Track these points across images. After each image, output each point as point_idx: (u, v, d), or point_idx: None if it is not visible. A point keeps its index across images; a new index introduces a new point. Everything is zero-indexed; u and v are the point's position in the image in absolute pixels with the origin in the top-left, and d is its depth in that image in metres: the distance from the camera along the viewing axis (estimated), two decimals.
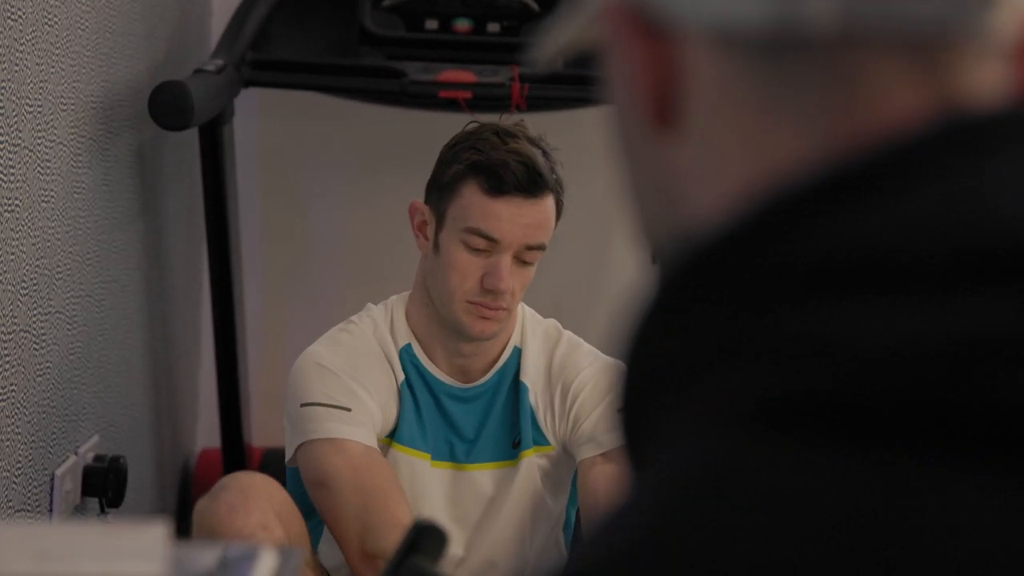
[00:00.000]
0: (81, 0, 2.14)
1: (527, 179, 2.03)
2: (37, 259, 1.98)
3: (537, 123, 2.20)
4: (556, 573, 0.49)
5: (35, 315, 1.98)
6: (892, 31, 0.51)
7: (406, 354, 2.15)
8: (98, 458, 2.26)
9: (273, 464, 2.61)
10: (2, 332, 1.85)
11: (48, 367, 2.05)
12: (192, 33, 2.91)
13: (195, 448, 3.12)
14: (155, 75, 2.50)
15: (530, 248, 2.06)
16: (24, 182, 1.91)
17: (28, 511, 1.99)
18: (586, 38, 0.60)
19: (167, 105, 2.32)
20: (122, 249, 2.44)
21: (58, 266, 2.08)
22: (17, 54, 1.85)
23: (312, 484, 2.08)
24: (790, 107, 0.52)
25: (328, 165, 3.16)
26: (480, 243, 2.05)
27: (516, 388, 2.17)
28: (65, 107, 2.08)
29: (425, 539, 1.17)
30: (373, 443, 2.09)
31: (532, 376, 2.16)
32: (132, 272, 2.51)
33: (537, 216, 2.05)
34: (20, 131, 1.88)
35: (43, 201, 1.99)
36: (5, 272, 1.85)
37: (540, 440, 2.16)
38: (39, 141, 1.97)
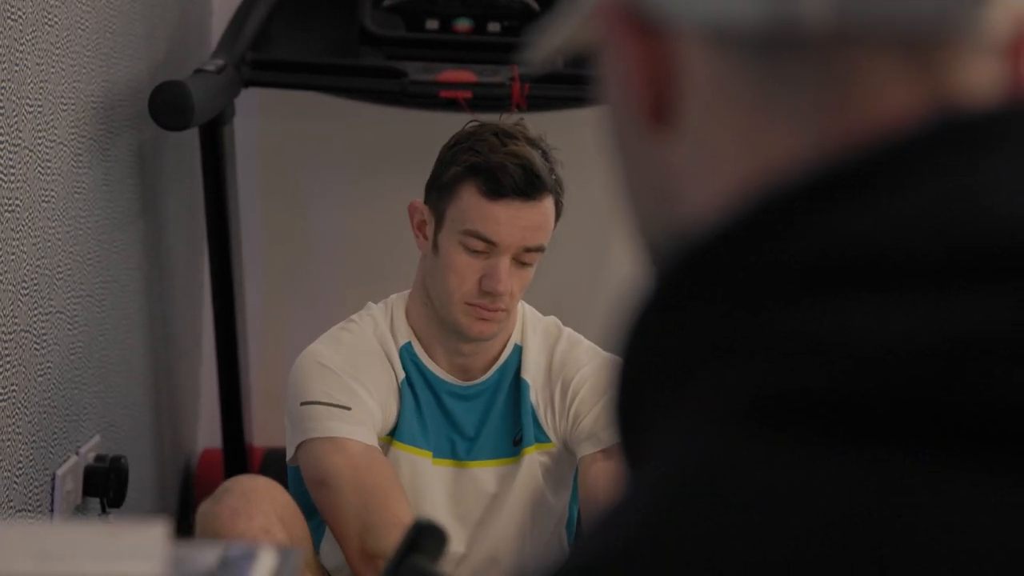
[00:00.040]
0: (81, 0, 2.14)
1: (525, 182, 2.03)
2: (38, 259, 1.98)
3: (538, 123, 2.20)
4: (554, 569, 0.49)
5: (36, 315, 1.98)
6: (886, 29, 0.51)
7: (406, 352, 2.15)
8: (99, 458, 2.26)
9: (274, 464, 2.61)
10: (3, 332, 1.85)
11: (49, 367, 2.05)
12: (192, 33, 2.91)
13: (196, 448, 3.12)
14: (155, 75, 2.50)
15: (529, 250, 2.06)
16: (24, 182, 1.91)
17: (29, 511, 1.99)
18: (581, 38, 0.61)
19: (167, 105, 2.32)
20: (122, 249, 2.44)
21: (59, 266, 2.08)
22: (17, 54, 1.85)
23: (312, 483, 2.08)
24: (785, 105, 0.52)
25: (328, 165, 3.17)
26: (478, 245, 2.05)
27: (517, 385, 2.17)
28: (65, 107, 2.09)
29: (425, 538, 1.17)
30: (374, 442, 2.09)
31: (533, 373, 2.17)
32: (133, 272, 2.51)
33: (535, 218, 2.05)
34: (20, 131, 1.88)
35: (43, 201, 1.99)
36: (6, 272, 1.85)
37: (541, 437, 2.17)
38: (39, 141, 1.97)
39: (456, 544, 2.13)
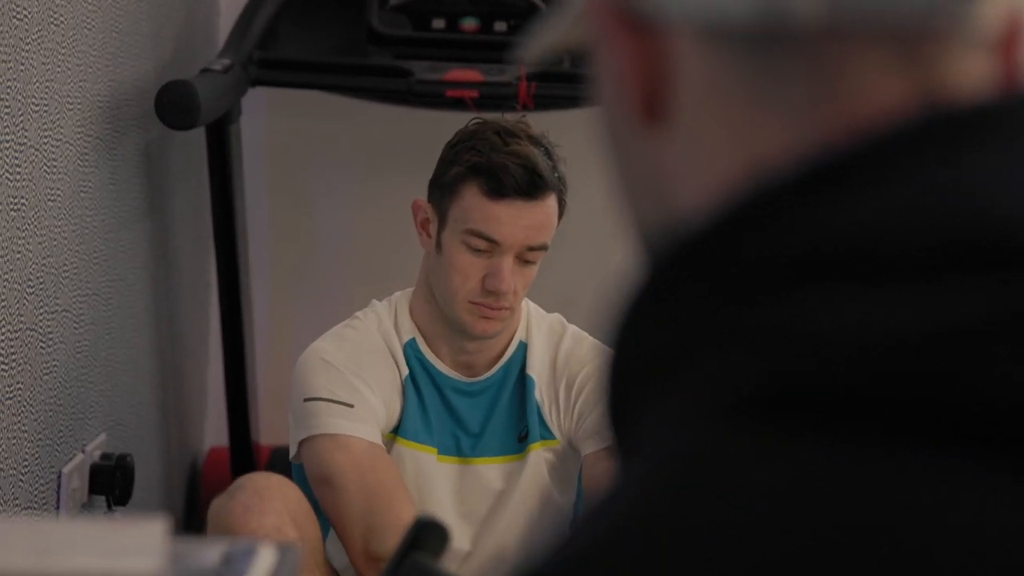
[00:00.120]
0: (87, 0, 2.14)
1: (527, 181, 2.03)
2: (44, 258, 1.98)
3: (543, 121, 2.20)
4: (543, 558, 0.49)
5: (42, 314, 1.98)
6: (877, 23, 0.51)
7: (410, 349, 2.15)
8: (105, 456, 2.27)
9: (281, 462, 2.61)
10: (9, 330, 1.85)
11: (55, 365, 2.05)
12: (199, 32, 2.92)
13: (203, 446, 3.12)
14: (162, 74, 2.51)
15: (531, 248, 2.07)
16: (31, 181, 1.91)
17: (35, 508, 2.00)
18: (574, 36, 0.61)
19: (174, 104, 2.33)
20: (129, 248, 2.44)
21: (65, 265, 2.08)
22: (23, 54, 1.86)
23: (316, 481, 2.08)
24: (776, 100, 0.52)
25: (335, 164, 3.17)
26: (481, 244, 2.05)
27: (522, 382, 2.17)
28: (71, 106, 2.09)
29: (427, 535, 1.17)
30: (377, 439, 2.09)
31: (538, 370, 2.17)
32: (139, 271, 2.52)
33: (538, 217, 2.06)
34: (26, 130, 1.88)
35: (49, 200, 2.00)
36: (12, 271, 1.85)
37: (546, 434, 2.17)
38: (45, 140, 1.97)
39: (462, 542, 2.13)
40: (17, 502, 1.92)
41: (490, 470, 2.16)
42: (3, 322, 1.84)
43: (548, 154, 2.08)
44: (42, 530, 0.93)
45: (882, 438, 0.46)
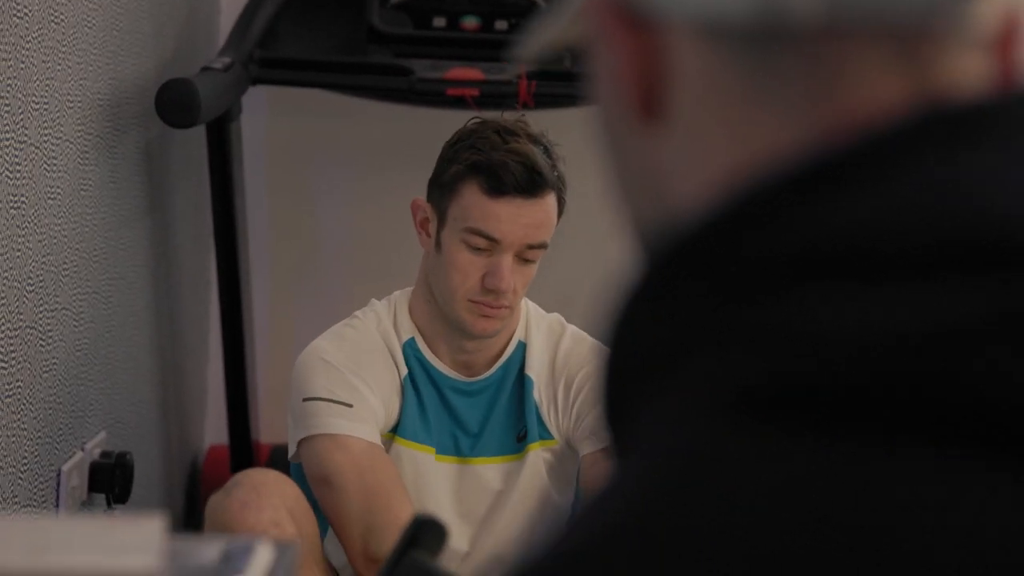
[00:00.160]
0: None
1: (526, 179, 2.03)
2: (43, 256, 1.98)
3: (543, 119, 2.20)
4: (539, 554, 0.49)
5: (41, 312, 1.98)
6: (876, 22, 0.51)
7: (409, 348, 2.15)
8: (105, 454, 2.27)
9: (281, 460, 2.61)
10: (8, 328, 1.85)
11: (55, 363, 2.05)
12: (200, 31, 2.92)
13: (203, 445, 3.12)
14: (162, 73, 2.51)
15: (531, 247, 2.07)
16: (30, 179, 1.91)
17: (35, 506, 2.00)
18: (572, 33, 0.61)
19: (174, 103, 2.33)
20: (129, 246, 2.44)
21: (64, 263, 2.08)
22: (23, 51, 1.86)
23: (315, 481, 2.08)
24: (774, 98, 0.52)
25: (336, 162, 3.17)
26: (481, 243, 2.05)
27: (521, 382, 2.17)
28: (72, 104, 2.09)
29: (424, 534, 1.17)
30: (376, 439, 2.09)
31: (537, 370, 2.17)
32: (139, 269, 2.52)
33: (537, 215, 2.06)
34: (26, 128, 1.88)
35: (49, 198, 2.00)
36: (11, 269, 1.85)
37: (545, 434, 2.17)
38: (45, 138, 1.97)
39: (460, 541, 2.13)
40: (17, 500, 1.92)
41: (489, 470, 2.16)
42: (3, 320, 1.83)
43: (547, 152, 2.08)
44: (40, 528, 0.93)
45: (882, 438, 0.46)
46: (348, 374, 2.09)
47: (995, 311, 0.47)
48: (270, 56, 2.64)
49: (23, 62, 1.86)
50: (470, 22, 2.77)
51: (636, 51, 0.55)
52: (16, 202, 1.86)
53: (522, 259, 2.08)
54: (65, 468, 2.11)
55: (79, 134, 2.13)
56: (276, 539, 1.91)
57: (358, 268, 3.14)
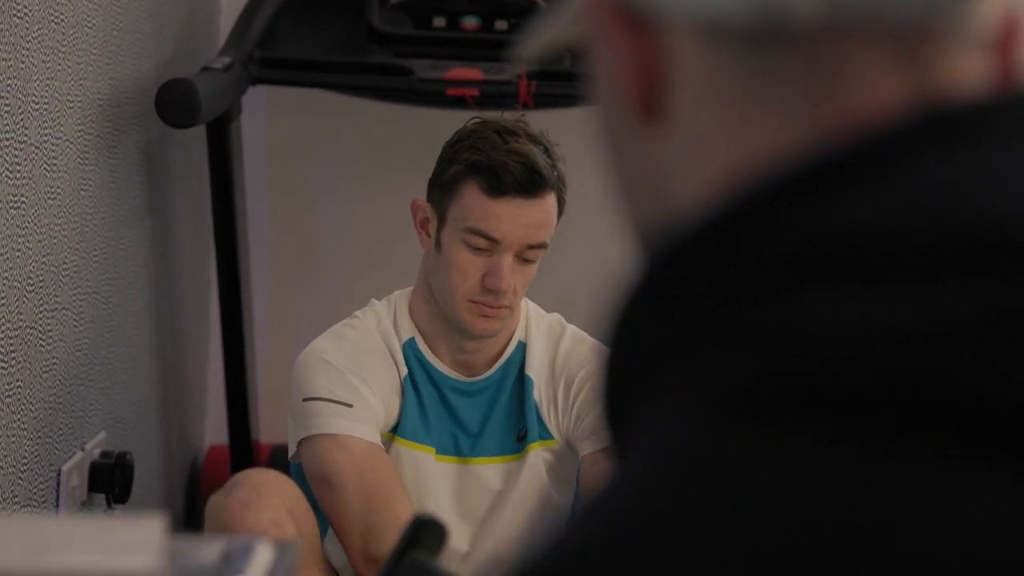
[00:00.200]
0: None
1: (526, 179, 2.03)
2: (43, 256, 1.98)
3: (543, 119, 2.20)
4: (540, 554, 0.49)
5: (41, 312, 1.98)
6: (876, 21, 0.51)
7: (409, 348, 2.15)
8: (105, 454, 2.27)
9: (281, 460, 2.61)
10: (8, 328, 1.85)
11: (55, 363, 2.05)
12: (200, 31, 2.92)
13: (203, 445, 3.12)
14: (163, 73, 2.51)
15: (531, 247, 2.07)
16: (30, 179, 1.91)
17: (35, 506, 2.00)
18: (571, 34, 0.61)
19: (174, 103, 2.33)
20: (129, 246, 2.44)
21: (64, 263, 2.08)
22: (23, 51, 1.86)
23: (315, 481, 2.08)
24: (774, 98, 0.52)
25: (336, 162, 3.17)
26: (481, 243, 2.05)
27: (521, 382, 2.17)
28: (72, 104, 2.09)
29: (424, 533, 1.17)
30: (376, 439, 2.09)
31: (537, 370, 2.17)
32: (139, 269, 2.52)
33: (537, 215, 2.06)
34: (26, 128, 1.88)
35: (49, 198, 2.00)
36: (11, 269, 1.85)
37: (545, 434, 2.17)
38: (45, 138, 1.97)
39: (460, 542, 2.13)
40: (16, 500, 1.92)
41: (489, 470, 2.16)
42: (3, 320, 1.83)
43: (547, 152, 2.08)
44: (39, 527, 0.93)
45: (882, 438, 0.46)
46: (348, 374, 2.09)
47: (995, 311, 0.47)
48: (270, 56, 2.64)
49: (23, 62, 1.86)
50: (470, 22, 2.77)
51: (636, 51, 0.55)
52: (16, 202, 1.86)
53: (522, 259, 2.08)
54: (65, 468, 2.11)
55: (79, 134, 2.13)
56: (276, 539, 1.91)
57: (358, 268, 3.14)
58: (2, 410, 1.85)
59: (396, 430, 2.13)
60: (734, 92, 0.53)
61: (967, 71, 0.52)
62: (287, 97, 3.01)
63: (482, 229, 2.05)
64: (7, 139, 1.81)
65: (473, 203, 2.05)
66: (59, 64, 2.01)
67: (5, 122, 1.81)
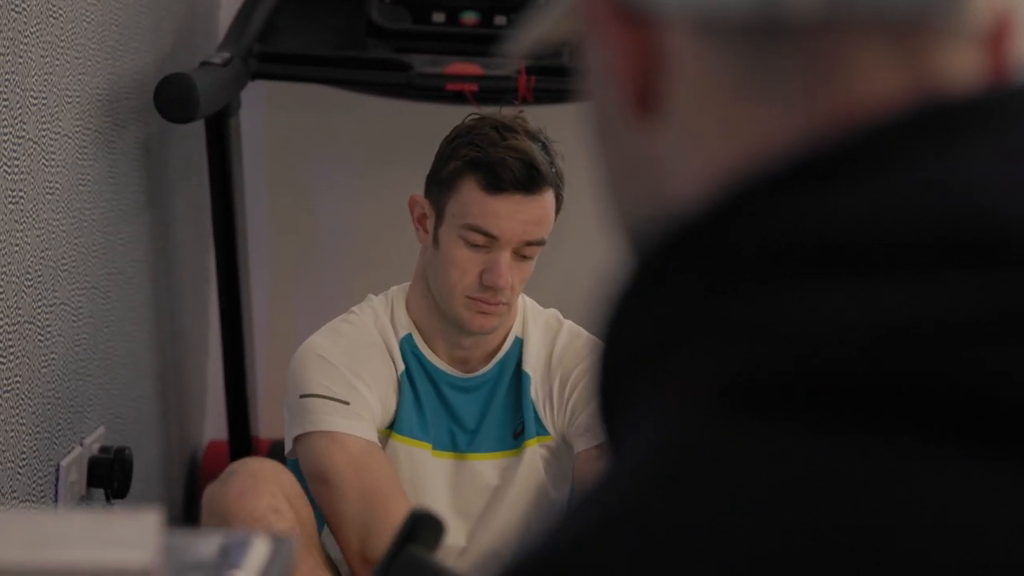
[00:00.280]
0: None
1: (525, 176, 2.03)
2: (42, 251, 1.98)
3: (542, 115, 2.20)
4: (533, 547, 0.49)
5: (40, 307, 1.98)
6: (874, 15, 0.51)
7: (407, 344, 2.15)
8: (104, 449, 2.27)
9: (280, 456, 2.60)
10: (7, 324, 1.85)
11: (53, 359, 2.05)
12: (199, 26, 2.92)
13: (203, 440, 3.12)
14: (161, 68, 2.51)
15: (529, 244, 2.07)
16: (29, 174, 1.91)
17: (33, 501, 2.00)
18: (563, 29, 0.61)
19: (172, 98, 2.32)
20: (128, 241, 2.44)
21: (63, 258, 2.08)
22: (21, 47, 1.86)
23: (312, 479, 2.08)
24: (771, 93, 0.52)
25: (335, 157, 3.17)
26: (479, 239, 2.05)
27: (518, 378, 2.17)
28: (70, 100, 2.09)
29: (422, 528, 1.17)
30: (373, 436, 2.09)
31: (534, 366, 2.17)
32: (138, 264, 2.52)
33: (536, 212, 2.06)
34: (25, 123, 1.88)
35: (48, 193, 2.00)
36: (10, 264, 1.85)
37: (541, 430, 2.17)
38: (44, 133, 1.97)
39: (457, 537, 2.13)
40: (15, 495, 1.92)
41: (485, 466, 2.16)
42: (2, 315, 1.84)
43: (545, 149, 2.08)
44: (35, 522, 0.93)
45: (881, 436, 0.46)
46: (345, 371, 2.09)
47: (995, 308, 0.47)
48: (269, 51, 2.64)
49: (21, 57, 1.86)
50: (469, 17, 2.77)
51: (632, 45, 0.55)
52: (15, 197, 1.86)
53: (520, 255, 2.08)
54: (64, 463, 2.11)
55: (78, 129, 2.13)
56: (273, 532, 1.91)
57: (358, 263, 3.14)
58: (1, 405, 1.85)
59: (393, 426, 2.13)
60: (730, 87, 0.53)
61: (962, 66, 0.52)
62: (286, 92, 3.01)
63: (480, 226, 2.05)
64: (5, 134, 1.81)
65: (471, 200, 2.05)
66: (57, 59, 2.01)
67: (3, 117, 1.80)
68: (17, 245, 1.88)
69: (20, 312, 1.90)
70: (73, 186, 2.11)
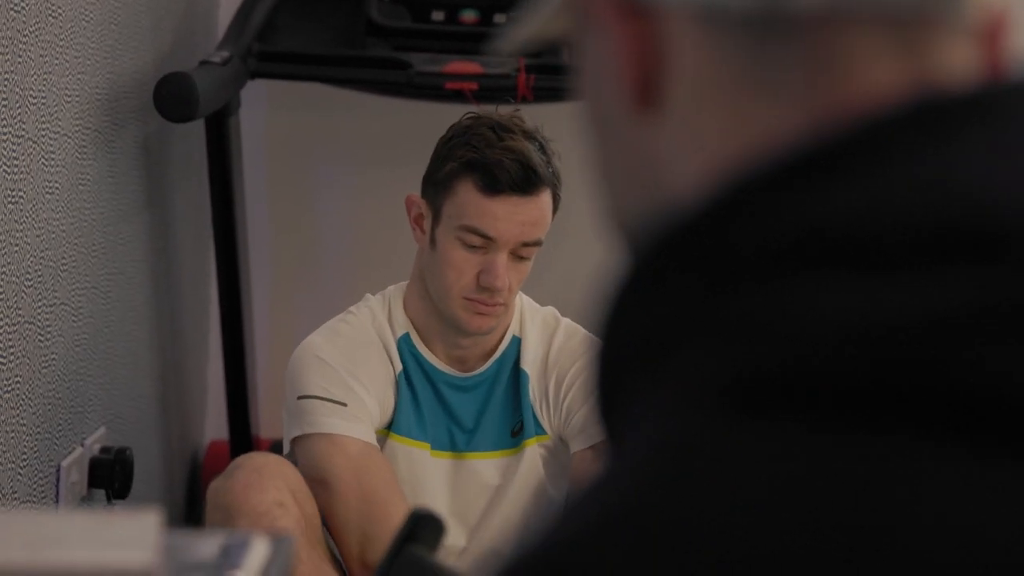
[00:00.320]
0: None
1: (522, 177, 2.03)
2: (42, 251, 1.98)
3: (538, 114, 2.19)
4: (533, 544, 0.49)
5: (40, 307, 1.98)
6: (875, 9, 0.51)
7: (404, 343, 2.15)
8: (104, 449, 2.27)
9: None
10: (7, 324, 1.85)
11: (54, 359, 2.05)
12: (198, 25, 2.91)
13: (203, 440, 3.12)
14: (161, 67, 2.50)
15: (526, 244, 2.06)
16: (28, 174, 1.91)
17: (34, 502, 2.00)
18: (557, 26, 0.60)
19: (172, 97, 2.32)
20: (128, 241, 2.44)
21: (63, 258, 2.08)
22: (21, 46, 1.86)
23: (311, 481, 2.07)
24: (771, 85, 0.52)
25: (335, 156, 3.17)
26: (476, 240, 2.05)
27: (516, 377, 2.17)
28: (70, 99, 2.09)
29: (422, 528, 1.17)
30: (371, 438, 2.09)
31: (531, 364, 2.17)
32: (139, 264, 2.52)
33: (533, 213, 2.05)
34: (24, 123, 1.88)
35: (48, 193, 2.00)
36: (10, 264, 1.85)
37: (539, 429, 2.17)
38: (43, 133, 1.97)
39: (456, 537, 2.13)
40: (16, 496, 1.92)
41: (484, 465, 2.16)
42: (2, 316, 1.83)
43: (542, 149, 2.07)
44: (36, 523, 0.93)
45: (881, 435, 0.46)
46: (343, 372, 2.09)
47: (991, 306, 0.46)
48: (269, 50, 2.64)
49: (20, 56, 1.85)
50: (469, 15, 2.77)
51: (632, 39, 0.55)
52: (14, 197, 1.86)
53: (517, 256, 2.07)
54: (65, 464, 2.11)
55: (77, 128, 2.13)
56: (277, 527, 1.91)
57: (358, 262, 3.14)
58: (1, 406, 1.85)
59: (391, 426, 2.13)
60: (730, 79, 0.53)
61: (960, 61, 0.52)
62: (286, 91, 3.00)
63: (477, 227, 2.04)
64: (5, 134, 1.81)
65: (468, 201, 2.05)
66: (57, 58, 2.01)
67: (3, 117, 1.80)
68: (17, 245, 1.88)
69: (20, 312, 1.90)
70: (73, 186, 2.11)
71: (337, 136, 3.15)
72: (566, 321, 2.21)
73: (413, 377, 2.14)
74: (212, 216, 2.70)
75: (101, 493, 2.27)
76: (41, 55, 1.94)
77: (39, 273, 1.97)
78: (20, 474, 1.93)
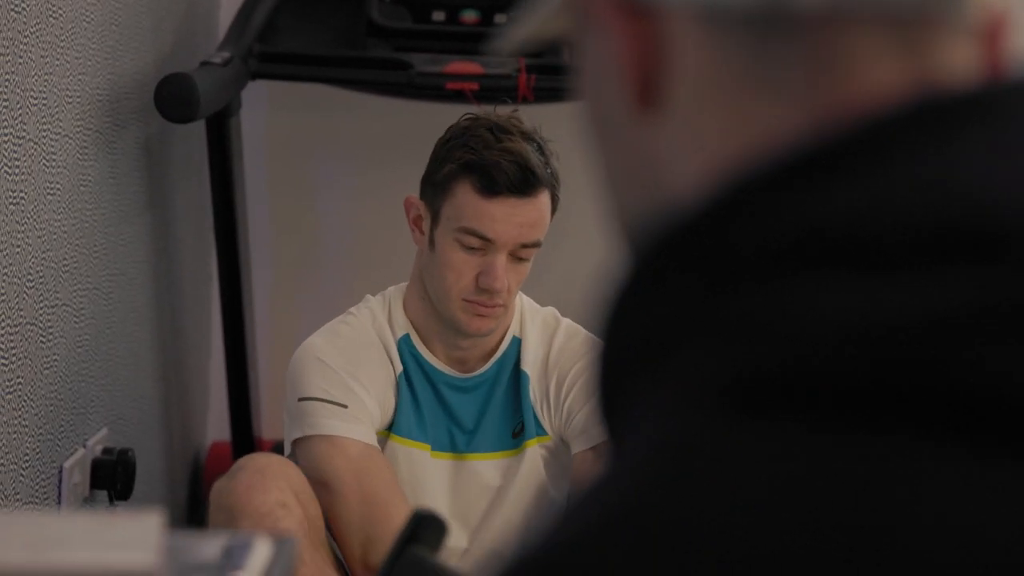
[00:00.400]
0: None
1: (520, 179, 2.03)
2: (43, 252, 1.98)
3: (537, 114, 2.19)
4: (534, 544, 0.49)
5: (42, 308, 1.98)
6: (877, 8, 0.51)
7: (404, 344, 2.15)
8: (107, 451, 2.27)
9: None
10: (9, 325, 1.85)
11: (56, 360, 2.05)
12: (199, 26, 2.91)
13: (205, 441, 3.12)
14: (162, 68, 2.51)
15: (525, 246, 2.06)
16: (29, 175, 1.91)
17: (36, 503, 2.00)
18: (556, 26, 0.60)
19: (173, 98, 2.32)
20: (129, 242, 2.44)
21: (64, 259, 2.08)
22: (21, 47, 1.86)
23: (312, 483, 2.07)
24: (773, 85, 0.52)
25: (336, 157, 3.17)
26: (475, 242, 2.05)
27: (517, 377, 2.17)
28: (71, 100, 2.09)
29: (424, 529, 1.17)
30: (372, 439, 2.09)
31: (532, 365, 2.16)
32: (140, 265, 2.52)
33: (531, 215, 2.05)
34: (25, 124, 1.88)
35: (49, 194, 2.00)
36: (11, 265, 1.85)
37: (540, 430, 2.17)
38: (44, 134, 1.97)
39: (458, 538, 2.13)
40: (18, 497, 1.92)
41: (485, 466, 2.16)
42: (3, 317, 1.83)
43: (541, 150, 2.07)
44: (38, 524, 0.93)
45: (881, 435, 0.46)
46: (343, 373, 2.09)
47: (991, 306, 0.46)
48: (269, 50, 2.64)
49: (21, 57, 1.86)
50: (469, 16, 2.77)
51: (633, 38, 0.55)
52: (15, 198, 1.86)
53: (516, 257, 2.07)
54: (67, 465, 2.11)
55: (78, 129, 2.13)
56: (280, 528, 1.91)
57: (359, 263, 3.14)
58: (3, 407, 1.85)
59: (392, 427, 2.13)
60: (732, 79, 0.53)
61: (961, 60, 0.52)
62: (287, 92, 3.01)
63: (476, 229, 2.04)
64: (6, 135, 1.81)
65: (466, 203, 2.04)
66: (58, 59, 2.01)
67: (4, 118, 1.80)
68: (18, 246, 1.88)
69: (22, 313, 1.90)
70: (74, 186, 2.11)
71: (338, 137, 3.15)
72: (566, 321, 2.20)
73: (413, 378, 2.14)
74: (213, 217, 2.70)
75: (103, 494, 2.27)
76: (42, 56, 1.94)
77: (40, 274, 1.97)
78: (22, 475, 1.93)
